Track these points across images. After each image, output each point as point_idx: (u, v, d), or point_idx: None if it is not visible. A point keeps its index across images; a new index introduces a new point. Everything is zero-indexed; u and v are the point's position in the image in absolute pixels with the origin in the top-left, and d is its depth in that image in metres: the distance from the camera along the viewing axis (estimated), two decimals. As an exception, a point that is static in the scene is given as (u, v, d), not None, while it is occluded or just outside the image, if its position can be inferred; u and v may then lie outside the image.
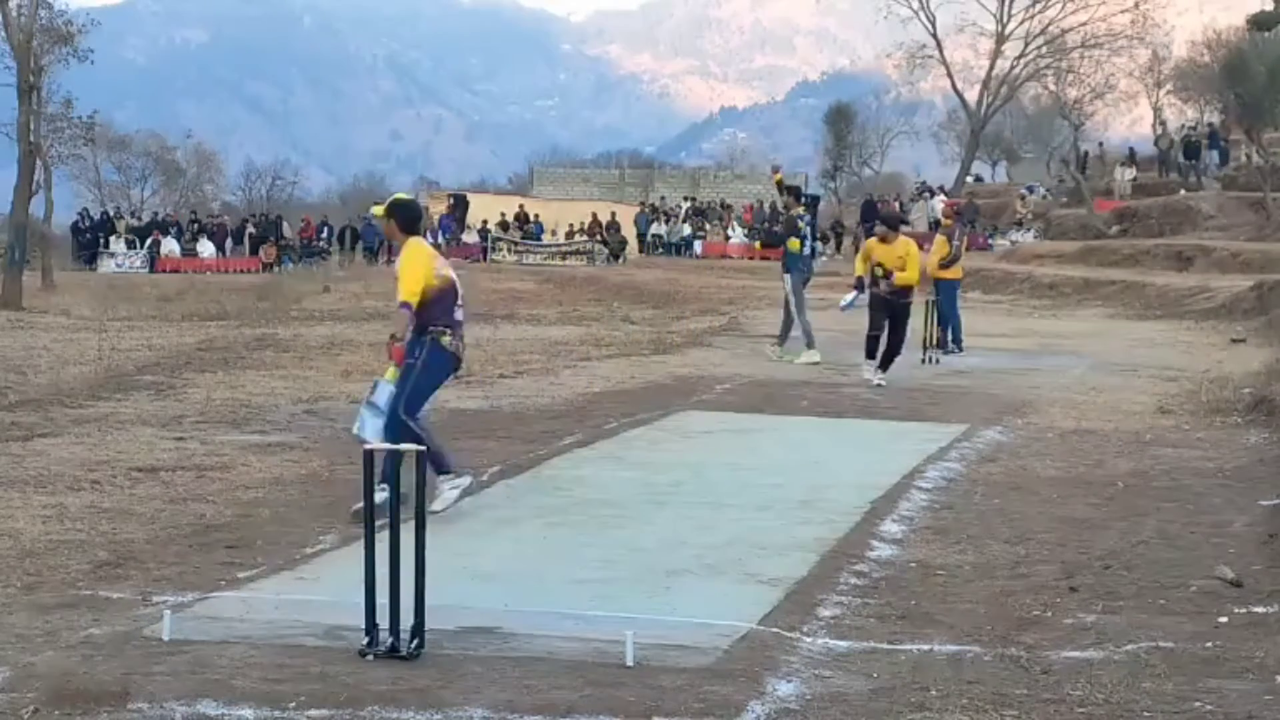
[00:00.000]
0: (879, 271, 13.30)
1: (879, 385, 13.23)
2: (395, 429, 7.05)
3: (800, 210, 15.80)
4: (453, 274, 7.42)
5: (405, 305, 7.08)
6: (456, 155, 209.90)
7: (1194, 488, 8.26)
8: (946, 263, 16.80)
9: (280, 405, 11.60)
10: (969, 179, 49.21)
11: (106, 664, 4.90)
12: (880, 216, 14.50)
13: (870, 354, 13.56)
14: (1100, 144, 47.50)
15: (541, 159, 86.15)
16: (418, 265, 7.18)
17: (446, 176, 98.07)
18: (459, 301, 7.37)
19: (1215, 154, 39.97)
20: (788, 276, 15.51)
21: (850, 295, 13.87)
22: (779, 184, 16.82)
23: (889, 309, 13.34)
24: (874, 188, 50.27)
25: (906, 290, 13.40)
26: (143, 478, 8.40)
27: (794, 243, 15.43)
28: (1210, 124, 43.03)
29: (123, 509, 7.53)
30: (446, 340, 7.27)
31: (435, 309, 7.22)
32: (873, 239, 13.92)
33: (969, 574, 6.33)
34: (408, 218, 7.41)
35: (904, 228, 15.59)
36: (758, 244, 39.26)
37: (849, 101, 58.63)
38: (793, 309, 15.48)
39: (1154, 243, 30.20)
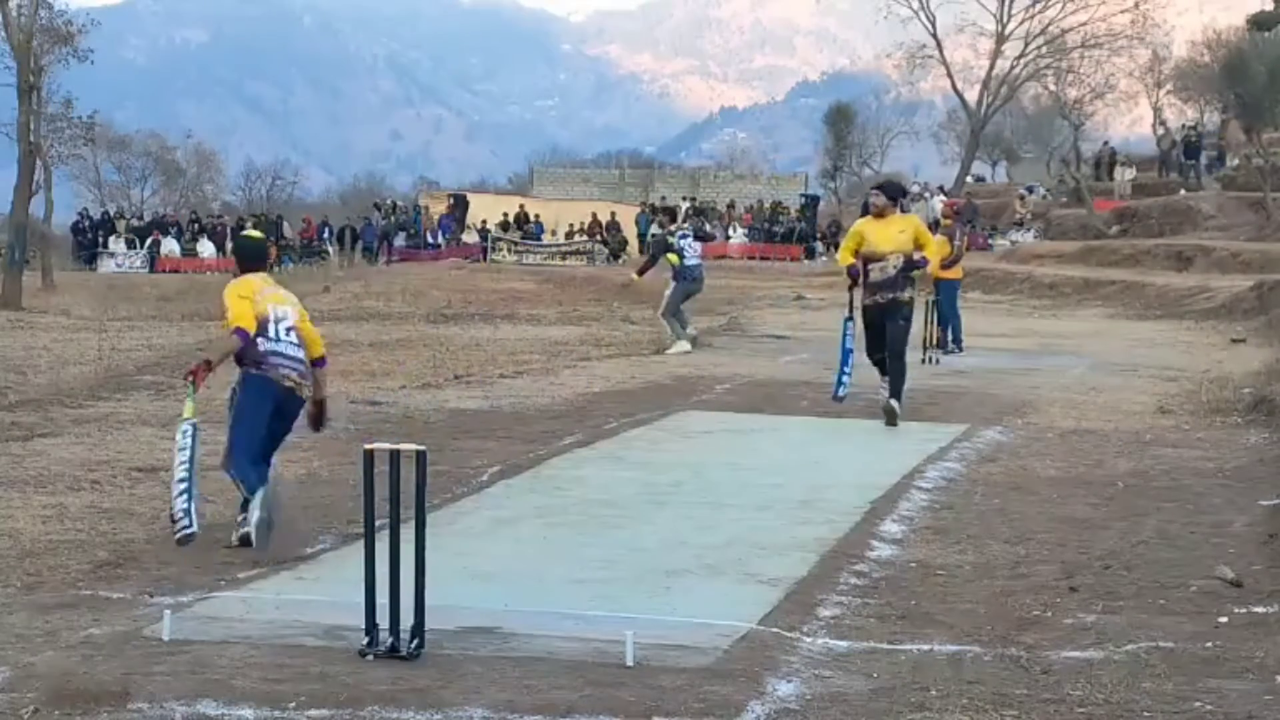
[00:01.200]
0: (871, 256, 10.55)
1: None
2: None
3: (672, 227, 18.25)
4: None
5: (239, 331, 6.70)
6: (456, 155, 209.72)
7: (1194, 488, 8.25)
8: (948, 263, 16.77)
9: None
10: (969, 179, 49.17)
11: (106, 664, 4.90)
12: (879, 185, 11.78)
13: (895, 392, 10.69)
14: (1105, 143, 47.46)
15: (541, 159, 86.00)
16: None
17: (446, 176, 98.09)
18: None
19: (1207, 155, 39.97)
20: (674, 283, 16.97)
21: (846, 332, 11.14)
22: (662, 209, 20.02)
23: (882, 317, 10.66)
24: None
25: (904, 284, 10.65)
26: (143, 478, 8.41)
27: (672, 257, 17.10)
28: (1196, 126, 42.97)
29: (123, 509, 7.53)
30: (257, 372, 6.92)
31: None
32: (863, 220, 11.22)
33: (969, 574, 6.33)
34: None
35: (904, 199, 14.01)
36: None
37: (849, 101, 58.50)
38: (662, 306, 17.13)
39: (1154, 243, 30.18)
